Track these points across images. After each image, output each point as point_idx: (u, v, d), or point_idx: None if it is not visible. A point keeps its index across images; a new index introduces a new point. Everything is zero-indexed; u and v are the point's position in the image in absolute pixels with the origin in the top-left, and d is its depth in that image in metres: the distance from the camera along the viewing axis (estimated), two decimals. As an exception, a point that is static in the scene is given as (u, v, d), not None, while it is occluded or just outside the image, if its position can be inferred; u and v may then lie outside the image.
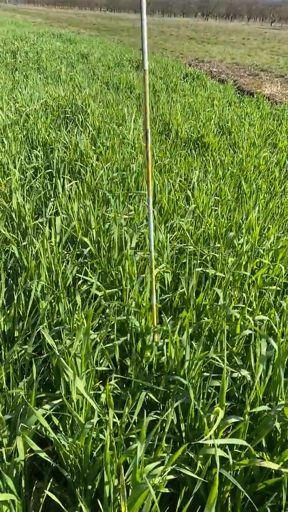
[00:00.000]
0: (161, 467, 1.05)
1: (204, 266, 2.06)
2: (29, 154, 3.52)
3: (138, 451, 1.00)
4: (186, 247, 2.16)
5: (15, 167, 3.09)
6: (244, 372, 1.45)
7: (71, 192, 2.75)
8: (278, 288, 1.97)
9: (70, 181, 2.92)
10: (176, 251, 2.19)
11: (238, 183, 3.28)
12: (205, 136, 4.35)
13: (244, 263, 2.02)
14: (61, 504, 0.96)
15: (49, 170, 3.20)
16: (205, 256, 2.13)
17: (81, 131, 4.12)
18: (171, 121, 4.79)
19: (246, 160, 3.73)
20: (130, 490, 1.03)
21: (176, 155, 3.77)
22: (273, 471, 1.21)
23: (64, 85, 6.74)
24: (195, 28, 39.74)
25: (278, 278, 1.98)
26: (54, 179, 3.06)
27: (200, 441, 1.09)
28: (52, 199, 2.69)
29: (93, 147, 3.65)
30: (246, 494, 1.04)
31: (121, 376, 1.47)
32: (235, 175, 3.41)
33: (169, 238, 2.22)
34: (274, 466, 1.11)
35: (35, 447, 1.09)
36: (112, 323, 1.59)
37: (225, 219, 2.49)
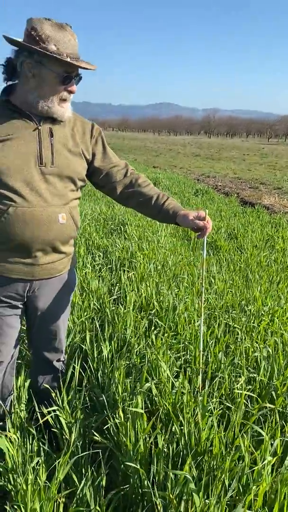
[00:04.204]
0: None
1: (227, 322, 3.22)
2: (93, 255, 4.85)
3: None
4: (214, 312, 3.32)
5: (88, 264, 4.38)
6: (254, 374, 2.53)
7: (128, 280, 3.99)
8: (275, 338, 3.08)
9: (128, 272, 4.17)
10: (208, 316, 3.35)
11: (245, 274, 4.52)
12: (217, 240, 5.71)
13: (252, 321, 3.17)
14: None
15: (109, 266, 4.49)
16: (226, 318, 3.29)
17: (126, 238, 5.50)
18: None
19: (250, 258, 5.01)
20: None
21: (198, 255, 5.08)
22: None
23: (99, 201, 8.38)
24: (200, 146, 44.17)
25: (275, 329, 3.11)
26: (113, 272, 4.33)
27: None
28: (117, 284, 3.92)
29: (138, 249, 4.97)
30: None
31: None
32: (242, 269, 4.66)
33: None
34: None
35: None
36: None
37: (238, 296, 3.68)
